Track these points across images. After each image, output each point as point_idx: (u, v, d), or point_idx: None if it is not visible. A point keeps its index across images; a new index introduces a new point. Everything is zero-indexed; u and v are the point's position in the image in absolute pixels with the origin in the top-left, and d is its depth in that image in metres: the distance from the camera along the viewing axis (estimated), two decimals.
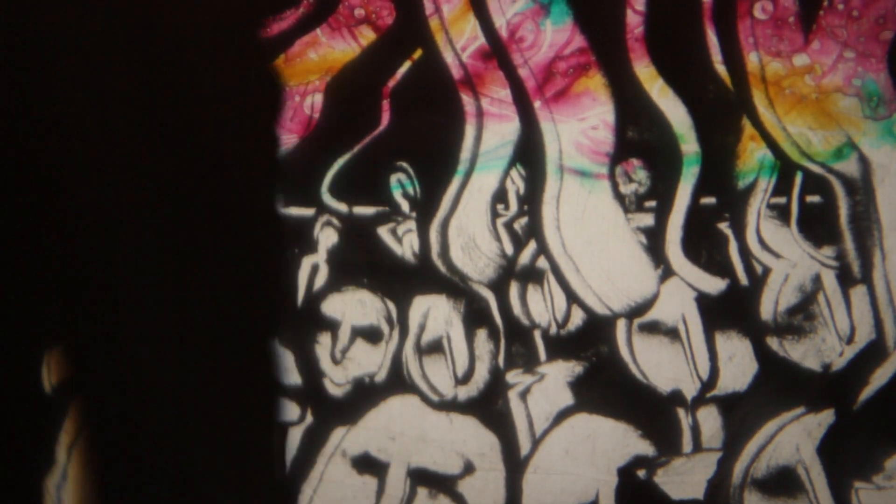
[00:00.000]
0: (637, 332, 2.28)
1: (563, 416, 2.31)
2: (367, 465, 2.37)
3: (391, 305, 2.34)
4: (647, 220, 2.27)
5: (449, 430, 2.33)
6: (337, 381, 2.37)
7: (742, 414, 2.27)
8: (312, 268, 2.36)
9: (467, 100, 2.28)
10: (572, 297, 2.28)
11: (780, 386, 2.26)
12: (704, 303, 2.26)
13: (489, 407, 2.33)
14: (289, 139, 2.33)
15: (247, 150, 2.31)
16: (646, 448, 2.29)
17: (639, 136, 2.26)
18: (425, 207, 2.30)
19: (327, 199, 2.34)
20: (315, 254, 2.36)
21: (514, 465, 2.32)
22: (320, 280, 2.36)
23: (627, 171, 2.27)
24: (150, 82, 2.32)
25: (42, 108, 2.41)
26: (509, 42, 2.25)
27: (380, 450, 2.37)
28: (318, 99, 2.32)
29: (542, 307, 2.30)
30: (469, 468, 2.33)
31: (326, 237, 2.36)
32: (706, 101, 2.23)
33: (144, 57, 2.29)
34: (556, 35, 2.24)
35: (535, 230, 2.28)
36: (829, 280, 2.24)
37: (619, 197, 2.26)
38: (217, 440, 2.35)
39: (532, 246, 2.29)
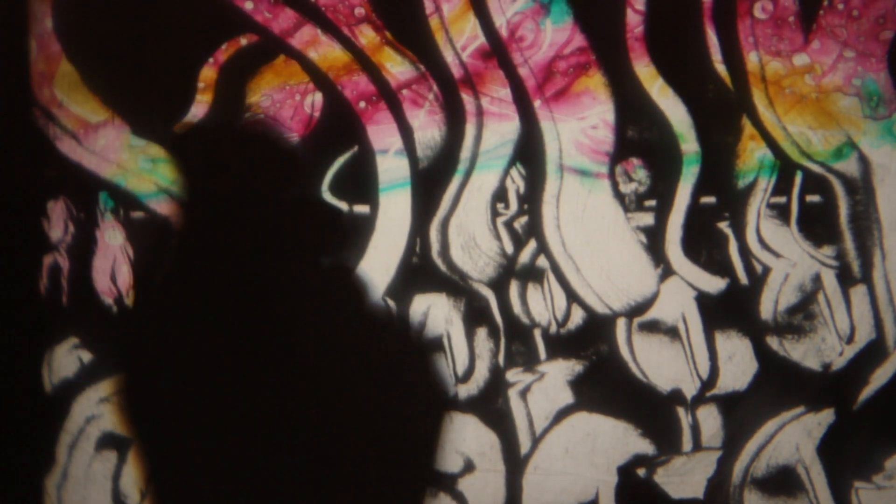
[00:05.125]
0: (637, 331, 2.28)
1: (563, 414, 2.31)
2: None
3: (391, 304, 2.34)
4: (647, 219, 2.27)
5: (449, 429, 2.33)
6: None
7: (742, 413, 2.27)
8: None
9: (467, 99, 2.28)
10: (572, 296, 2.28)
11: (780, 385, 2.26)
12: (704, 302, 2.27)
13: (489, 405, 2.33)
14: (290, 138, 2.33)
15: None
16: (646, 447, 2.29)
17: (639, 136, 2.26)
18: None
19: (328, 197, 2.34)
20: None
21: (515, 464, 2.32)
22: None
23: (627, 170, 2.27)
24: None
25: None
26: (509, 41, 2.26)
27: None
28: (319, 98, 2.32)
29: (542, 306, 2.30)
30: (469, 467, 2.33)
31: None
32: (706, 100, 2.24)
33: None
34: (556, 34, 2.25)
35: (535, 229, 2.29)
36: (829, 279, 2.24)
37: (619, 196, 2.27)
38: None
39: (532, 245, 2.29)
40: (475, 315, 2.32)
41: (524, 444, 2.32)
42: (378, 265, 2.32)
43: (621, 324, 2.28)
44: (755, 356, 2.27)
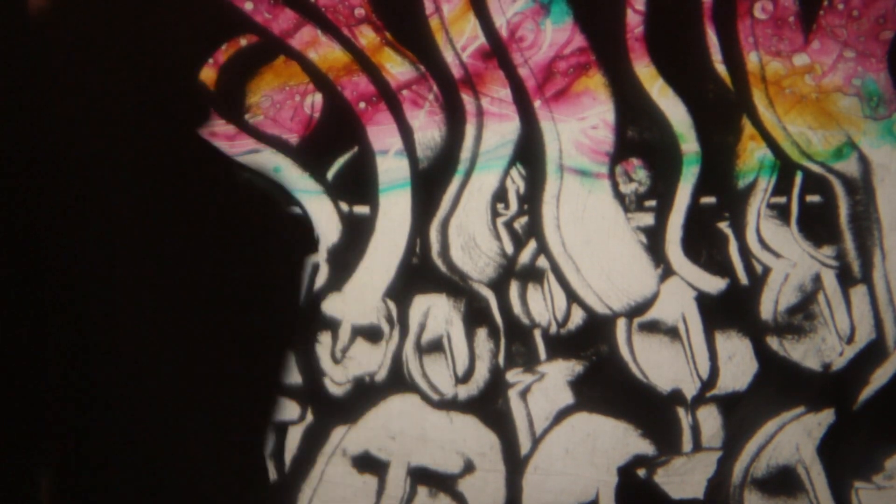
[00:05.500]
0: (637, 332, 2.28)
1: (563, 415, 2.31)
2: (368, 464, 2.37)
3: (391, 304, 2.34)
4: (647, 219, 2.27)
5: (449, 430, 2.33)
6: (337, 380, 2.37)
7: (742, 413, 2.27)
8: (313, 267, 2.36)
9: (467, 99, 2.28)
10: (572, 297, 2.28)
11: (780, 385, 2.26)
12: (704, 302, 2.27)
13: (489, 406, 2.33)
14: (290, 138, 2.33)
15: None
16: (646, 447, 2.29)
17: (639, 136, 2.26)
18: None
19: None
20: (315, 253, 2.36)
21: (515, 465, 2.32)
22: (321, 279, 2.36)
23: (627, 170, 2.27)
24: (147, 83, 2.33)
25: (42, 107, 2.42)
26: (509, 41, 2.25)
27: (380, 449, 2.37)
28: (318, 98, 2.32)
29: (542, 306, 2.30)
30: (469, 467, 2.34)
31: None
32: (706, 100, 2.24)
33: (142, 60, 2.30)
34: (556, 34, 2.24)
35: (535, 229, 2.29)
36: (829, 280, 2.24)
37: (619, 196, 2.27)
38: (214, 440, 2.35)
39: (532, 245, 2.29)
40: (475, 315, 2.32)
41: (524, 444, 2.32)
42: (378, 266, 2.32)
43: (621, 324, 2.28)
44: (755, 356, 2.27)
